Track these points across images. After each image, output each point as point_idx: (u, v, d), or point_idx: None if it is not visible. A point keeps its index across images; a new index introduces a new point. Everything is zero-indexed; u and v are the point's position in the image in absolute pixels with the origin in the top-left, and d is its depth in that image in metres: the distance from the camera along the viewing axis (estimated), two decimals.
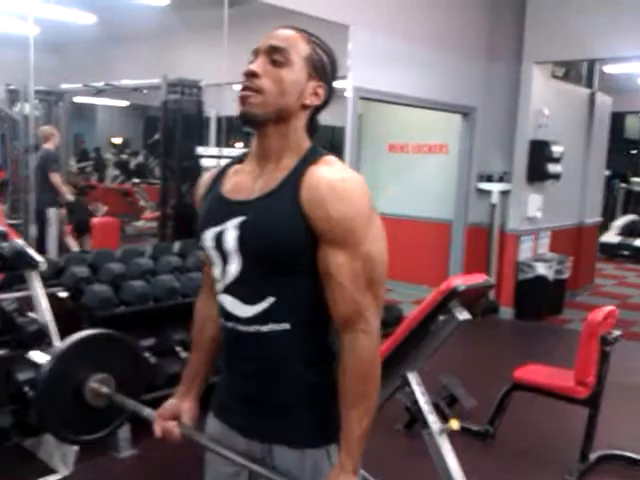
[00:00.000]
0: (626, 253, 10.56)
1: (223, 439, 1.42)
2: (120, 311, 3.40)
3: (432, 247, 7.19)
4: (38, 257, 3.13)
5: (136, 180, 8.74)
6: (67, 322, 3.02)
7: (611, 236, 10.82)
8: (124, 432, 3.17)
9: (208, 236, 1.36)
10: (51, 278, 3.40)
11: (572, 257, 6.98)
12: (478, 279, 2.72)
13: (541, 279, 6.39)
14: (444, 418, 2.76)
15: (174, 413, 1.49)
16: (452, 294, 2.50)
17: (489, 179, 6.67)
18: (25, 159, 4.45)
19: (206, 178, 1.48)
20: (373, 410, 1.30)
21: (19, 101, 5.15)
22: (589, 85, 7.54)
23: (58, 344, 2.68)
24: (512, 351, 5.51)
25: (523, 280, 6.45)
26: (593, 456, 3.32)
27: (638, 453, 3.40)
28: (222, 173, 1.43)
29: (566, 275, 6.75)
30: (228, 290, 1.35)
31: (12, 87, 5.49)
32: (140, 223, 7.66)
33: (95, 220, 6.40)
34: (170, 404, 1.51)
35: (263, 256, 1.29)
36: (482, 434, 3.56)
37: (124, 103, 9.60)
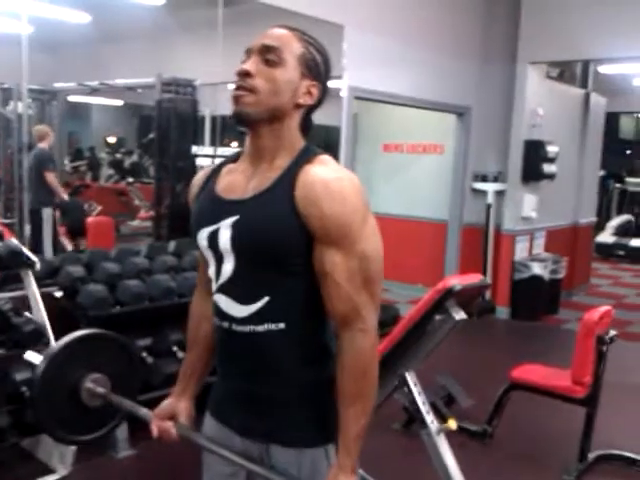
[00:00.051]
0: (621, 253, 10.60)
1: (220, 439, 1.41)
2: (116, 311, 3.39)
3: (428, 247, 7.19)
4: (33, 257, 3.11)
5: (130, 179, 8.71)
6: (62, 322, 3.02)
7: (606, 236, 10.86)
8: (122, 432, 3.18)
9: (202, 235, 1.36)
10: (46, 278, 3.39)
11: (567, 257, 7.00)
12: (474, 279, 2.72)
13: (537, 279, 6.40)
14: (442, 418, 2.75)
15: (171, 413, 1.50)
16: (448, 294, 2.50)
17: (484, 179, 6.68)
18: (19, 158, 4.43)
19: (199, 177, 1.48)
20: (371, 409, 1.30)
21: (12, 100, 5.12)
22: (583, 85, 7.56)
23: (53, 344, 2.67)
24: (508, 351, 5.51)
25: (519, 280, 6.46)
26: (591, 456, 3.32)
27: (636, 453, 3.40)
28: (216, 172, 1.43)
29: (561, 275, 6.77)
30: (223, 290, 1.35)
31: (5, 86, 5.47)
32: (135, 222, 7.63)
33: (90, 219, 6.38)
34: (167, 404, 1.51)
35: (257, 255, 1.29)
36: (480, 434, 3.56)
37: (118, 102, 9.58)
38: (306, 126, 1.38)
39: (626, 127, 15.03)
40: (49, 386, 1.56)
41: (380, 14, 5.31)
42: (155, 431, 1.47)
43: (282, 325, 1.31)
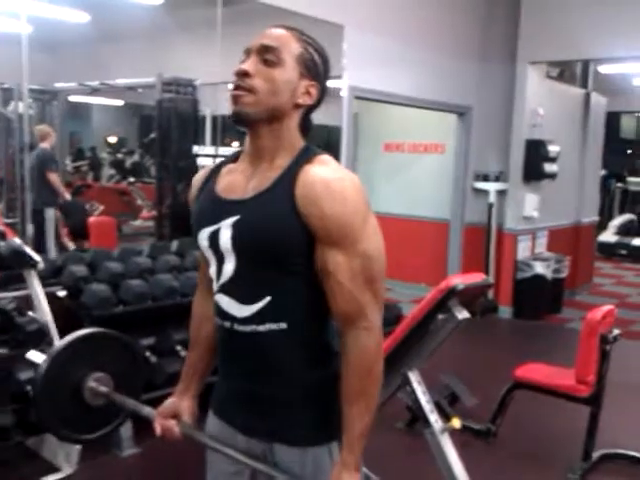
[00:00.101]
0: (624, 252, 10.58)
1: (223, 437, 1.42)
2: (119, 310, 3.39)
3: (430, 247, 7.19)
4: (36, 256, 3.11)
5: (132, 179, 8.70)
6: (66, 321, 3.02)
7: (609, 235, 10.85)
8: (127, 431, 3.18)
9: (203, 235, 1.36)
10: (49, 277, 3.40)
11: (570, 256, 6.99)
12: (477, 278, 2.72)
13: (539, 278, 6.39)
14: (446, 417, 2.75)
15: (174, 411, 1.50)
16: (451, 293, 2.50)
17: (485, 178, 6.67)
18: (20, 158, 4.42)
19: (198, 178, 1.48)
20: (374, 407, 1.30)
21: (13, 100, 5.12)
22: (584, 85, 7.55)
23: (56, 343, 2.67)
24: (512, 350, 5.50)
25: (521, 279, 6.46)
26: (596, 455, 3.31)
27: None
28: (215, 172, 1.43)
29: (564, 274, 6.76)
30: (224, 290, 1.35)
31: (6, 86, 5.47)
32: (137, 222, 7.62)
33: (92, 219, 6.37)
34: (170, 402, 1.52)
35: (258, 255, 1.29)
36: (484, 433, 3.55)
37: (119, 102, 9.57)
38: (306, 126, 1.38)
39: (627, 127, 15.00)
40: (52, 385, 1.56)
41: (380, 14, 5.30)
42: (158, 429, 1.48)
43: (284, 325, 1.31)
